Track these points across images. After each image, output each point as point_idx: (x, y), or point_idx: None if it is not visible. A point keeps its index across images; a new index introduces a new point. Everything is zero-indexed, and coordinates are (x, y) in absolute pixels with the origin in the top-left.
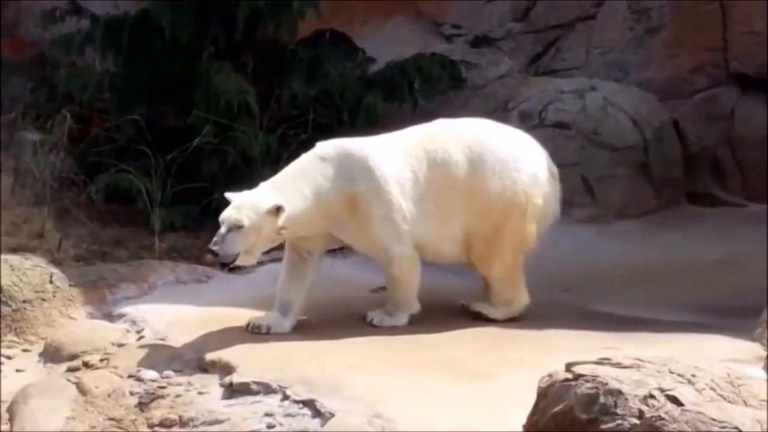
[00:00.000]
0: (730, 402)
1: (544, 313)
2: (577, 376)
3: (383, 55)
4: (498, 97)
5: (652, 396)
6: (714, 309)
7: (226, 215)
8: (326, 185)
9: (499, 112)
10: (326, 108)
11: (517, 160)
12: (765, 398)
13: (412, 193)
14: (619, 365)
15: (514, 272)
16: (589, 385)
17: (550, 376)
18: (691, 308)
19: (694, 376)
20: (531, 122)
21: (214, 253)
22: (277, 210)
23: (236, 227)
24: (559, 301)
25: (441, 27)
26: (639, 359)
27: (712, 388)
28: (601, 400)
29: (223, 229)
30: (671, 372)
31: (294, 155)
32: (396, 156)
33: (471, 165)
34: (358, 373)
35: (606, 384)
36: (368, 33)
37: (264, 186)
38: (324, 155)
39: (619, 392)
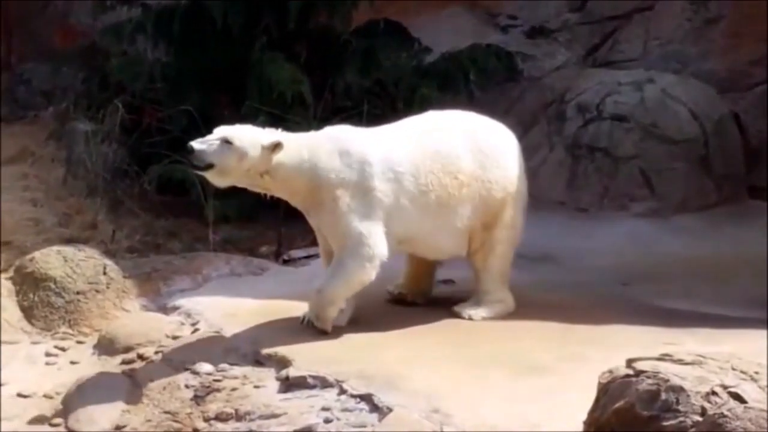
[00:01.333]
0: None
1: (603, 307)
2: (638, 372)
3: (438, 45)
4: (555, 88)
5: (714, 393)
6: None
7: (223, 127)
8: (325, 163)
9: (556, 104)
10: (380, 98)
11: (505, 150)
12: None
13: (411, 189)
14: (680, 362)
15: (506, 269)
16: (650, 381)
17: (610, 371)
18: (754, 304)
19: (757, 373)
20: (589, 114)
21: (190, 150)
22: (275, 147)
23: (225, 141)
24: (618, 296)
25: (496, 18)
26: (701, 356)
27: None
28: (663, 396)
29: (212, 135)
30: (734, 369)
31: None
32: (398, 152)
33: (472, 156)
34: (416, 367)
35: (667, 380)
36: (422, 23)
37: (269, 129)
38: (333, 137)
39: (681, 389)
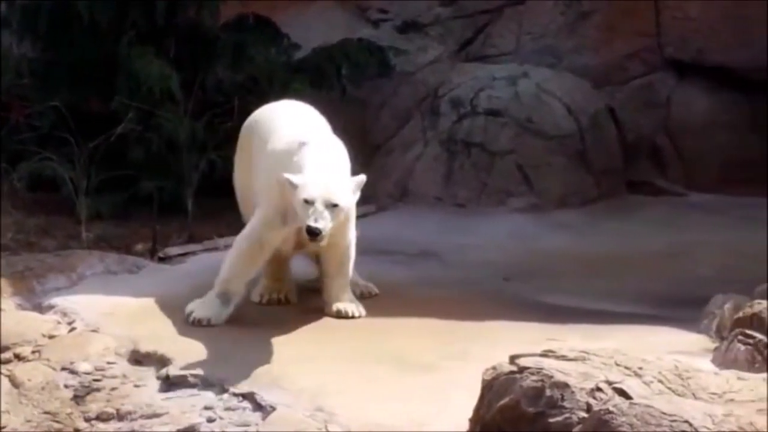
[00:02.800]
0: (679, 395)
1: (486, 303)
2: (522, 369)
3: (308, 40)
4: (428, 83)
5: (599, 389)
6: (661, 300)
7: (320, 193)
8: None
9: (430, 99)
10: (252, 94)
11: None
12: (714, 391)
13: None
14: (564, 358)
15: None
16: (534, 377)
17: (494, 368)
18: (638, 299)
19: (641, 368)
20: (463, 109)
21: (315, 232)
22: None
23: (331, 205)
24: (500, 292)
25: (366, 12)
26: (584, 351)
27: (660, 381)
28: (548, 393)
29: (319, 207)
30: (618, 364)
31: (221, 142)
32: None
33: None
34: (300, 365)
35: (552, 377)
36: (291, 18)
37: (313, 168)
38: (333, 144)
39: (566, 385)
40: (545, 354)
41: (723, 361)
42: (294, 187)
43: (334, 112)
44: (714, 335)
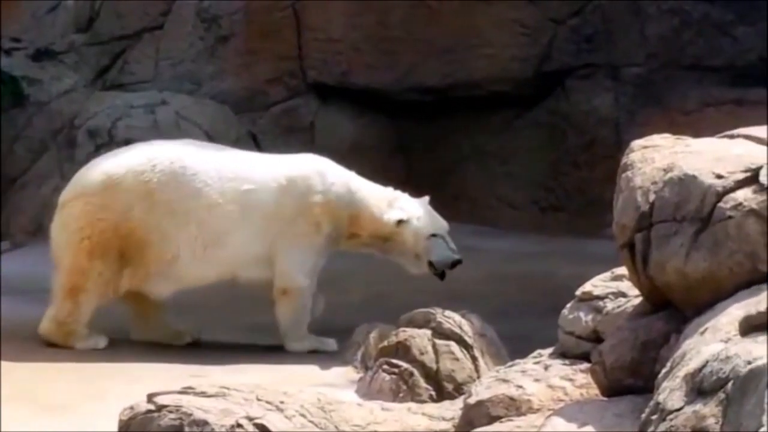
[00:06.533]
0: (321, 428)
1: (126, 340)
2: (160, 407)
3: None
4: (63, 113)
5: (239, 425)
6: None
7: (442, 224)
8: None
9: (66, 129)
10: None
11: None
12: (357, 423)
13: None
14: (203, 394)
15: None
16: (172, 416)
17: (131, 408)
18: (269, 331)
19: (282, 402)
20: (100, 140)
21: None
22: None
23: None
24: None
25: None
26: (225, 387)
27: (302, 415)
28: (186, 431)
29: (448, 237)
30: (259, 399)
31: None
32: None
33: None
34: None
35: (191, 414)
36: None
37: (407, 199)
38: None
39: (205, 422)
40: (184, 391)
41: (368, 391)
42: (403, 223)
43: None
44: (359, 366)
